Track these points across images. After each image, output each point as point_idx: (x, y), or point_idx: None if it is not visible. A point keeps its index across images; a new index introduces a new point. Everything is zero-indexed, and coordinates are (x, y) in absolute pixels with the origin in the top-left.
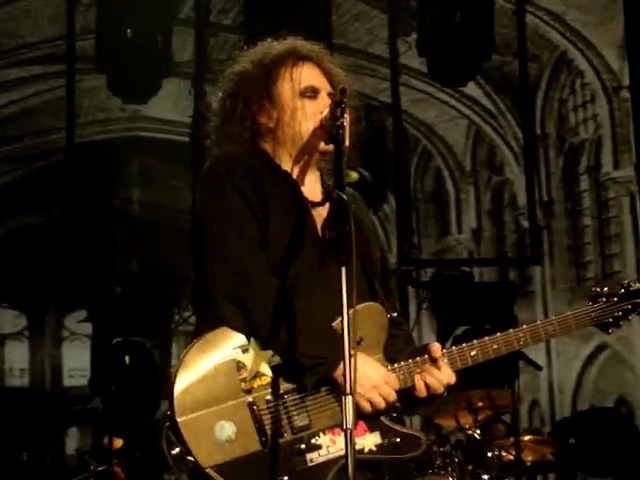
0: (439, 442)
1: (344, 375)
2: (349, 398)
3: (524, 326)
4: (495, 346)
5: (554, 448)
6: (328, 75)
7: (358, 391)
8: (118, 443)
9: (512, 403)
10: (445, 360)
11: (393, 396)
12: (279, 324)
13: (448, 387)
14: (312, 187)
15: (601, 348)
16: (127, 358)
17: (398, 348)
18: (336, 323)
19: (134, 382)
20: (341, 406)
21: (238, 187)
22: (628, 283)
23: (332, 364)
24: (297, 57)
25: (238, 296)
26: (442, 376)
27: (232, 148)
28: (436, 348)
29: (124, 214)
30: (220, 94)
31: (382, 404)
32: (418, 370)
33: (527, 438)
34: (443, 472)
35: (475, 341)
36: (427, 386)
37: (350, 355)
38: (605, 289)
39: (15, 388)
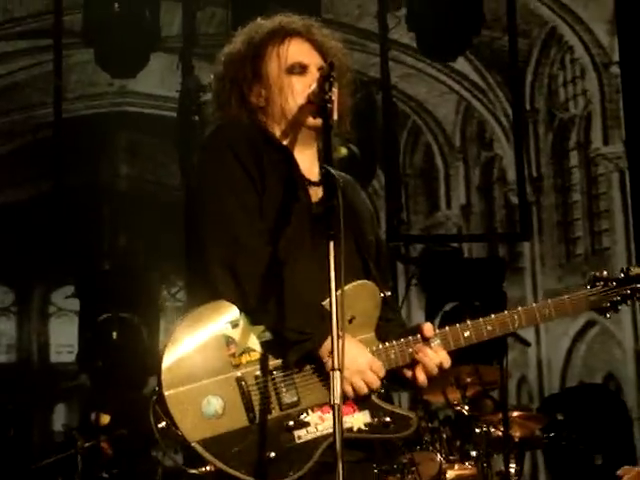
0: (427, 418)
1: (331, 352)
2: (337, 373)
3: (519, 308)
4: (489, 327)
5: (542, 424)
6: (319, 49)
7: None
8: (105, 419)
9: (500, 379)
10: (438, 341)
11: (377, 383)
12: (269, 294)
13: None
14: (309, 166)
15: (590, 324)
16: (114, 334)
17: (390, 330)
18: (327, 302)
19: (121, 358)
20: (329, 384)
21: (239, 156)
22: (628, 268)
23: (318, 340)
24: (284, 34)
25: (230, 261)
26: (435, 356)
27: (234, 119)
28: (428, 327)
29: (111, 189)
30: (212, 76)
31: (364, 390)
32: (410, 350)
33: (515, 414)
34: (431, 448)
35: (469, 322)
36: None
37: (338, 330)
38: (604, 273)
39: (2, 364)
